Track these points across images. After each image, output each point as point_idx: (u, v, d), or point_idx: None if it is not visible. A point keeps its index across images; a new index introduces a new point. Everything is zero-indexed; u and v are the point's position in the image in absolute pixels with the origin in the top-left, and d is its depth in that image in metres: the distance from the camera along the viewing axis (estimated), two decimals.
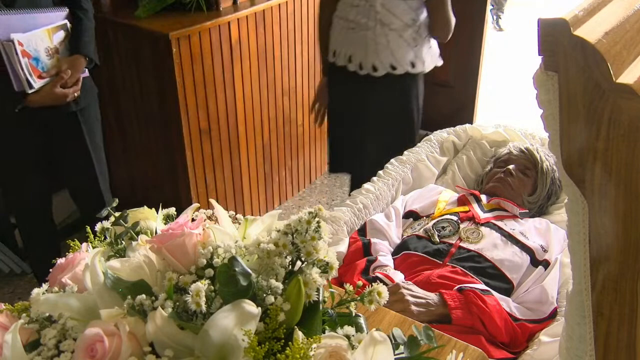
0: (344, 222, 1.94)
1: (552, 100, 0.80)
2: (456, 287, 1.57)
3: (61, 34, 1.87)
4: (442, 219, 1.84)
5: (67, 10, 1.90)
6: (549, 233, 1.82)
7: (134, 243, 0.86)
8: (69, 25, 1.89)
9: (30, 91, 1.78)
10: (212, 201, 0.88)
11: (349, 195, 2.13)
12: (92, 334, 0.70)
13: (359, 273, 1.69)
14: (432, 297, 1.54)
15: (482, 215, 1.85)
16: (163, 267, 0.79)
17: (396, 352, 0.77)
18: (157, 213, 0.95)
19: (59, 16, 1.88)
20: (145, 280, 0.77)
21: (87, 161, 2.08)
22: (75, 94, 1.89)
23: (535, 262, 1.73)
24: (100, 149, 2.13)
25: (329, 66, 2.32)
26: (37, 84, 1.79)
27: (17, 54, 1.72)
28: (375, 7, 2.11)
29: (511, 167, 1.99)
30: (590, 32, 0.73)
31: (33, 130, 1.95)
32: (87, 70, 1.94)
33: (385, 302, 0.78)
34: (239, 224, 0.87)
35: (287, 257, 0.76)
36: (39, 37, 1.79)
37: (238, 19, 2.46)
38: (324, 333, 0.76)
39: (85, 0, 1.96)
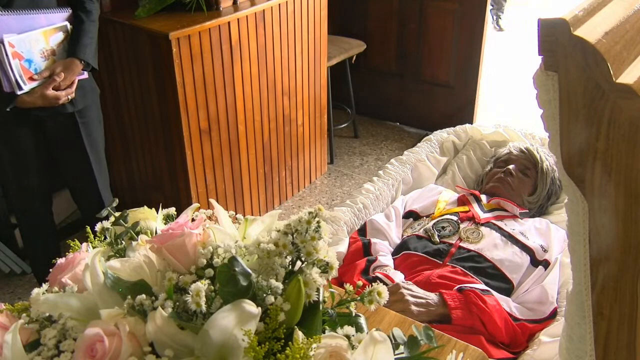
0: (344, 222, 1.94)
1: (552, 100, 0.80)
2: (456, 287, 1.57)
3: (59, 36, 1.86)
4: (442, 219, 1.84)
5: (70, 11, 1.89)
6: (549, 233, 1.82)
7: (134, 243, 0.86)
8: (69, 26, 1.88)
9: (19, 92, 1.76)
10: (212, 201, 0.88)
11: None
12: (92, 334, 0.70)
13: (359, 273, 1.69)
14: (432, 297, 1.54)
15: (482, 215, 1.85)
16: (163, 267, 0.79)
17: (396, 352, 0.77)
18: (157, 213, 0.95)
19: (60, 17, 1.86)
20: (145, 280, 0.77)
21: (85, 162, 2.07)
22: (69, 97, 1.87)
23: (535, 262, 1.73)
24: (99, 150, 2.12)
25: None
26: (27, 86, 1.78)
27: (6, 55, 1.71)
28: None
29: (511, 167, 1.99)
30: (590, 32, 0.73)
31: (29, 129, 1.95)
32: (85, 72, 1.92)
33: (385, 302, 0.78)
34: (239, 224, 0.87)
35: (287, 257, 0.76)
36: (34, 38, 1.78)
37: (238, 19, 2.46)
38: (324, 333, 0.76)
39: (90, 2, 1.93)
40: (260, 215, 0.88)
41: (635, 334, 0.85)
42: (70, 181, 2.22)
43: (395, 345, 0.77)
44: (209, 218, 0.87)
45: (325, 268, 0.76)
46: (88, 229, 0.93)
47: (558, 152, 0.83)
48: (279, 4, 2.65)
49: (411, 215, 1.97)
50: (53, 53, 1.85)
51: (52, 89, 1.81)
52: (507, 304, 1.59)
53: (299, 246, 0.75)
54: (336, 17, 3.50)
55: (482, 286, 1.60)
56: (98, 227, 0.91)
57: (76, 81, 1.88)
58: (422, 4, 3.48)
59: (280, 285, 0.73)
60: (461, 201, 1.95)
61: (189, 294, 0.70)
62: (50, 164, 2.10)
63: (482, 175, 2.16)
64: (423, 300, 1.52)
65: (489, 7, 3.38)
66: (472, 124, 2.75)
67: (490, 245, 1.73)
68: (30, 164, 2.03)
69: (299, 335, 0.71)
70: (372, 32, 3.70)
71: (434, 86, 3.66)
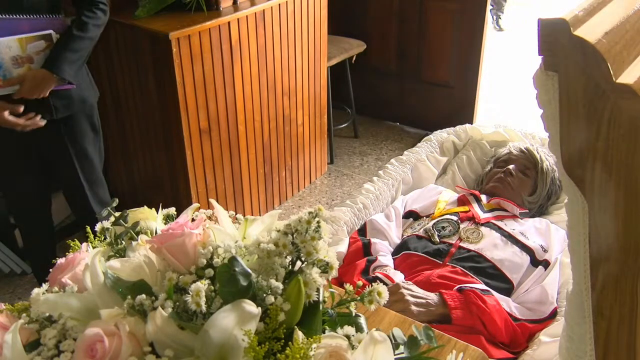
0: (344, 222, 1.94)
1: (552, 100, 0.80)
2: (456, 287, 1.57)
3: (40, 44, 1.79)
4: (442, 219, 1.84)
5: (61, 18, 1.83)
6: (549, 233, 1.82)
7: (134, 243, 0.86)
8: (54, 35, 1.81)
9: None
10: (212, 201, 0.88)
11: None
12: (92, 334, 0.70)
13: (359, 273, 1.69)
14: (432, 297, 1.54)
15: (482, 215, 1.85)
16: (163, 267, 0.79)
17: (396, 352, 0.77)
18: (157, 213, 0.95)
19: (46, 24, 1.79)
20: (145, 280, 0.77)
21: (70, 169, 2.03)
22: (31, 124, 1.81)
23: (535, 262, 1.73)
24: (91, 161, 2.06)
25: None
26: None
27: None
28: None
29: (511, 167, 1.99)
30: (590, 32, 0.73)
31: (13, 133, 1.90)
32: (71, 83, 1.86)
33: (385, 302, 0.78)
34: (239, 224, 0.87)
35: (287, 257, 0.76)
36: (6, 45, 1.73)
37: (238, 19, 2.46)
38: (324, 333, 0.76)
39: (91, 12, 1.86)
40: (260, 215, 0.88)
41: (635, 334, 0.85)
42: (60, 184, 2.20)
43: (395, 345, 0.77)
44: (209, 218, 0.87)
45: (325, 268, 0.76)
46: (88, 229, 0.93)
47: (558, 152, 0.83)
48: (279, 4, 2.65)
49: (411, 215, 1.97)
50: (30, 60, 1.79)
51: (22, 97, 1.76)
52: (507, 304, 1.59)
53: (299, 246, 0.75)
54: (336, 17, 3.50)
55: (482, 286, 1.60)
56: (98, 227, 0.91)
57: (47, 94, 1.82)
58: (422, 4, 3.48)
59: (280, 285, 0.73)
60: (461, 201, 1.95)
61: (189, 294, 0.70)
62: (45, 165, 2.08)
63: (482, 175, 2.16)
64: (423, 300, 1.52)
65: (489, 7, 3.38)
66: (472, 124, 2.75)
67: (490, 245, 1.73)
68: (21, 166, 2.01)
69: (299, 335, 0.71)
70: (372, 32, 3.70)
71: (434, 86, 3.66)
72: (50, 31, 1.81)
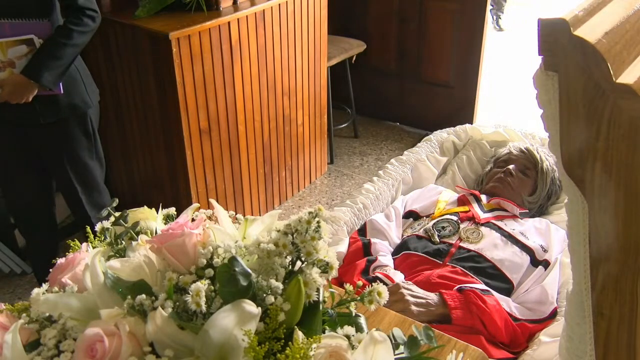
0: (344, 222, 1.94)
1: (552, 100, 0.80)
2: (456, 287, 1.57)
3: (21, 49, 1.77)
4: (442, 219, 1.84)
5: (48, 23, 1.80)
6: (549, 233, 1.82)
7: (134, 243, 0.86)
8: (36, 40, 1.78)
9: None
10: (212, 201, 0.88)
11: None
12: (92, 334, 0.70)
13: (359, 273, 1.69)
14: (432, 297, 1.54)
15: (482, 215, 1.85)
16: (163, 267, 0.79)
17: (396, 352, 0.77)
18: (157, 213, 0.95)
19: (30, 29, 1.77)
20: (145, 280, 0.77)
21: (63, 172, 2.03)
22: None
23: (535, 262, 1.73)
24: (83, 162, 2.04)
25: None
26: None
27: None
28: None
29: (511, 167, 1.99)
30: (590, 32, 0.73)
31: (12, 132, 1.92)
32: (58, 88, 1.84)
33: (385, 302, 0.78)
34: (239, 224, 0.87)
35: (287, 257, 0.76)
36: None
37: (238, 19, 2.46)
38: (324, 333, 0.76)
39: (78, 20, 1.81)
40: (260, 215, 0.88)
41: (635, 334, 0.85)
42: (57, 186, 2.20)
43: (395, 345, 0.77)
44: (209, 218, 0.87)
45: (325, 268, 0.76)
46: (88, 229, 0.93)
47: (558, 152, 0.83)
48: (279, 4, 2.65)
49: (411, 215, 1.97)
50: (11, 65, 1.77)
51: (5, 101, 1.76)
52: (507, 304, 1.59)
53: (299, 246, 0.75)
54: (336, 17, 3.50)
55: (482, 286, 1.60)
56: (98, 227, 0.91)
57: (29, 99, 1.81)
58: (422, 4, 3.48)
59: (280, 285, 0.73)
60: (461, 201, 1.95)
61: (189, 294, 0.70)
62: (44, 166, 2.07)
63: (482, 175, 2.16)
64: (423, 300, 1.52)
65: (489, 7, 3.38)
66: (472, 124, 2.75)
67: (490, 245, 1.73)
68: (21, 167, 2.01)
69: (299, 335, 0.71)
70: (372, 32, 3.70)
71: (434, 86, 3.66)
72: (32, 36, 1.78)
